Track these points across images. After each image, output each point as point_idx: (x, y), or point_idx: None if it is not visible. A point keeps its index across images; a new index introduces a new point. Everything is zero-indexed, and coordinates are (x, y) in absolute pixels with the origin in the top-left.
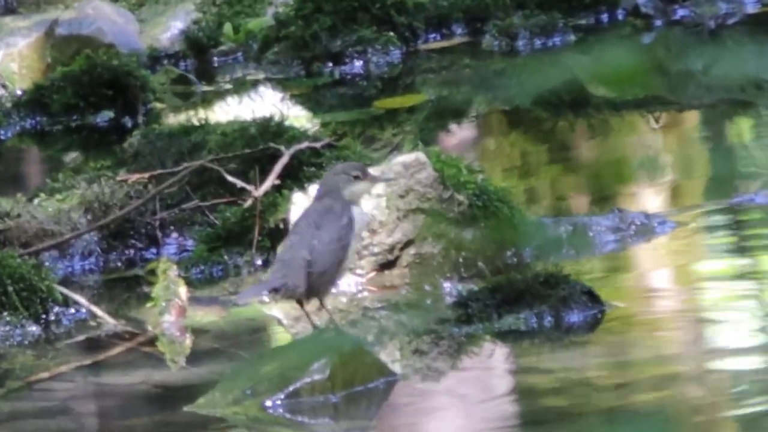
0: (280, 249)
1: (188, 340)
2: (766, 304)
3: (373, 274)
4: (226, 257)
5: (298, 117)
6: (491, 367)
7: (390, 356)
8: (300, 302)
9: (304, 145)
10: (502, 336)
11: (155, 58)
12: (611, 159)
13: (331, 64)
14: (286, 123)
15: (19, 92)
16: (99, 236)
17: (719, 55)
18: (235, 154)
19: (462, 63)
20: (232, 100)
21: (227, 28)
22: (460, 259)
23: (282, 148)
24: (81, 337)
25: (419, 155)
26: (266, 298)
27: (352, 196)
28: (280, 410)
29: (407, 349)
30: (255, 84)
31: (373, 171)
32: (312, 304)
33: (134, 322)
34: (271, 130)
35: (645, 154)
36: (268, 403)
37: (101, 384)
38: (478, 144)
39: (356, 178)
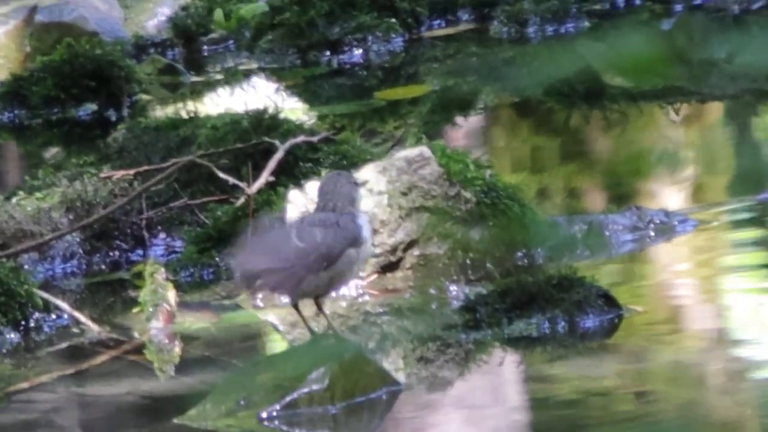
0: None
1: (177, 348)
2: None
3: (374, 276)
4: (217, 259)
5: (294, 109)
6: (501, 376)
7: (393, 364)
8: (296, 305)
9: (300, 139)
10: (513, 343)
11: (141, 47)
12: (628, 153)
13: (328, 53)
14: (281, 116)
15: None
16: (82, 237)
17: (744, 42)
18: (227, 149)
19: (468, 51)
20: (223, 92)
21: (218, 14)
22: (468, 261)
23: (276, 142)
24: (63, 345)
25: (423, 150)
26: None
27: (359, 204)
28: (276, 422)
29: (411, 357)
30: (247, 74)
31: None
32: (309, 309)
33: (120, 328)
34: (265, 124)
35: (664, 149)
36: (264, 414)
37: (85, 395)
38: (486, 138)
39: (356, 185)
